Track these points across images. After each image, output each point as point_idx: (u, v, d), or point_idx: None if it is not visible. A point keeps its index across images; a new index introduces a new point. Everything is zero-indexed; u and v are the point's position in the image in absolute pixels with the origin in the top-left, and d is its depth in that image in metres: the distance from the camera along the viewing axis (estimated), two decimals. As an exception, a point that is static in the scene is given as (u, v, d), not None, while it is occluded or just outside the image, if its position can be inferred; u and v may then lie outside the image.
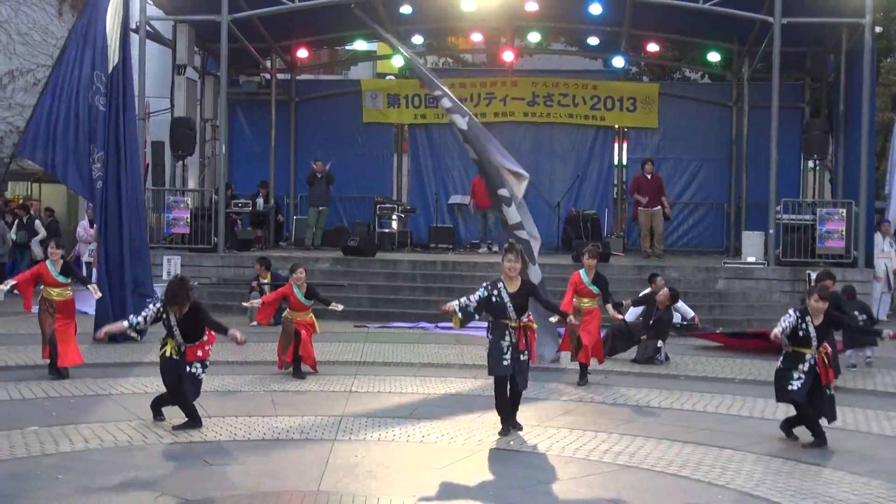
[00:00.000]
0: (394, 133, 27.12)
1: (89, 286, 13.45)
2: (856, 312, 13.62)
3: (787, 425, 9.95)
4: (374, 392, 12.06)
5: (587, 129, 25.96)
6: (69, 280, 12.67)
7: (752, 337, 15.61)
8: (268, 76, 26.36)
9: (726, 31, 23.73)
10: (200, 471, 8.42)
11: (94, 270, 17.93)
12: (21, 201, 27.46)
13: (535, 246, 14.28)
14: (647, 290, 16.09)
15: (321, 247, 23.26)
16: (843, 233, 19.72)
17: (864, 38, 19.45)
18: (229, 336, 9.78)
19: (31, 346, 14.22)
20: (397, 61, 27.13)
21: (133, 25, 22.60)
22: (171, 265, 20.03)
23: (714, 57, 26.02)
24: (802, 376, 9.65)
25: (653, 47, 26.34)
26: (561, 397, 11.99)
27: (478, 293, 9.91)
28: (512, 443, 9.53)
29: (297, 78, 27.41)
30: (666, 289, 15.31)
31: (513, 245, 10.17)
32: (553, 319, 12.87)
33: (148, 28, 21.61)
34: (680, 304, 16.76)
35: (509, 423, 9.86)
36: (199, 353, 9.84)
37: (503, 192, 14.00)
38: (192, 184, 25.45)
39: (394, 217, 24.66)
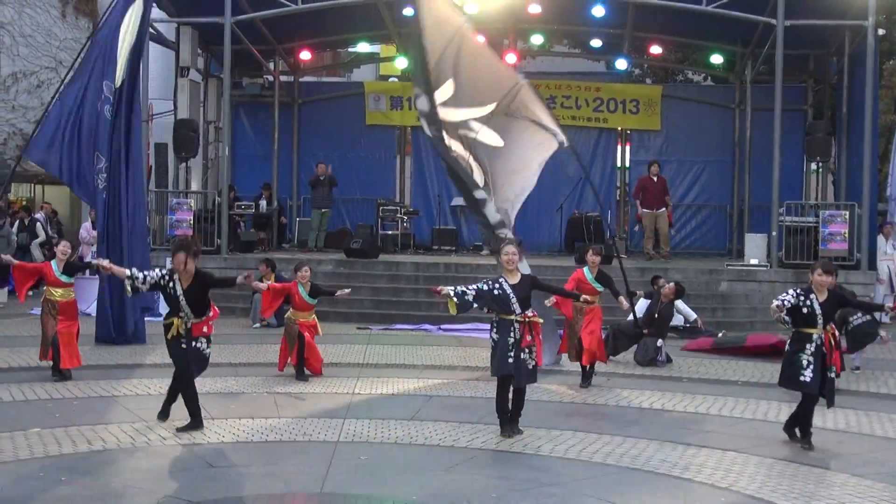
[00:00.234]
0: (397, 135, 27.14)
1: (94, 261, 13.18)
2: (859, 314, 13.58)
3: (791, 426, 9.90)
4: (377, 394, 12.06)
5: (590, 132, 25.97)
6: (72, 280, 12.64)
7: (749, 348, 15.48)
8: (271, 78, 26.37)
9: (729, 34, 23.73)
10: (204, 473, 8.42)
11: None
12: (24, 203, 27.48)
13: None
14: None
15: (324, 249, 23.27)
16: (846, 235, 19.71)
17: (867, 40, 19.45)
18: (238, 283, 9.81)
19: (33, 348, 14.20)
20: (401, 63, 27.12)
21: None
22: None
23: (717, 59, 26.02)
24: (811, 360, 9.50)
25: (655, 49, 26.35)
26: (564, 399, 11.99)
27: (477, 284, 9.95)
28: (515, 445, 9.53)
29: (300, 80, 27.44)
30: (672, 283, 15.24)
31: (511, 239, 10.21)
32: (549, 302, 12.57)
33: (151, 30, 21.60)
34: (682, 306, 16.77)
35: (510, 427, 9.86)
36: (205, 328, 9.75)
37: (479, 193, 13.70)
38: (195, 186, 25.45)
39: (397, 219, 24.67)
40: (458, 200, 25.48)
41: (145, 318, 15.80)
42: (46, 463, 8.51)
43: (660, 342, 14.52)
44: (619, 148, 26.64)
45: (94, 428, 9.74)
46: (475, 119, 13.92)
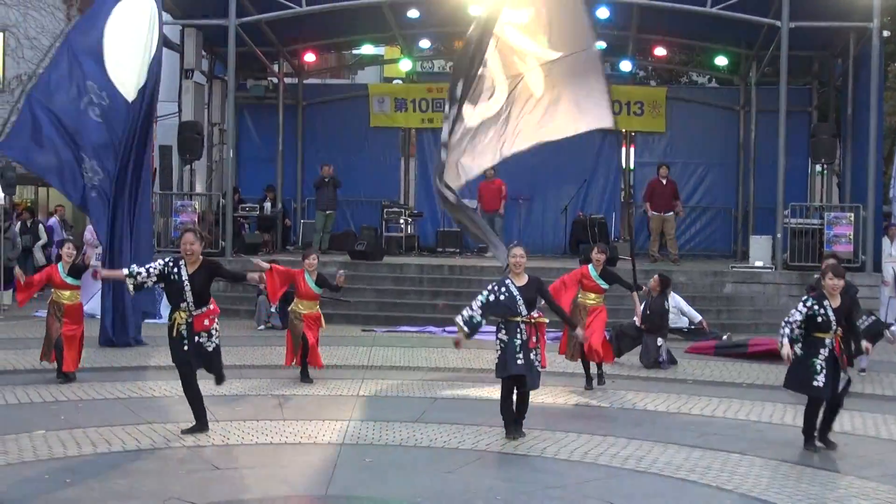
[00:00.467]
0: (401, 137, 27.13)
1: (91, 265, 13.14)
2: (864, 316, 13.55)
3: (822, 434, 9.70)
4: (381, 396, 12.06)
5: (594, 133, 25.82)
6: (78, 282, 12.64)
7: (752, 354, 15.43)
8: (275, 80, 26.38)
9: (734, 36, 23.72)
10: (209, 475, 8.42)
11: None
12: (28, 204, 27.48)
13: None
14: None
15: (328, 251, 23.27)
16: (851, 237, 19.71)
17: (872, 42, 19.45)
18: (249, 280, 9.82)
19: (38, 350, 14.24)
20: (405, 65, 27.13)
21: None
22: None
23: (721, 61, 25.99)
24: (824, 366, 9.44)
25: (660, 51, 26.32)
26: (568, 401, 11.98)
27: (480, 298, 9.89)
28: (519, 447, 9.52)
29: (305, 82, 27.44)
30: (656, 275, 15.11)
31: (519, 242, 10.23)
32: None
33: (156, 32, 21.64)
34: (687, 307, 16.76)
35: (514, 430, 9.86)
36: (206, 321, 9.56)
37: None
38: (199, 188, 25.47)
39: (401, 221, 24.66)
40: (463, 202, 25.50)
41: (147, 322, 15.80)
42: (51, 465, 8.51)
43: (660, 341, 14.45)
44: (623, 150, 26.59)
45: (99, 430, 9.74)
46: (536, 55, 13.65)
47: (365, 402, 11.57)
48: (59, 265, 12.63)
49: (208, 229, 20.28)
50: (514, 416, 9.91)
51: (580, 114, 13.87)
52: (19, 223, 22.15)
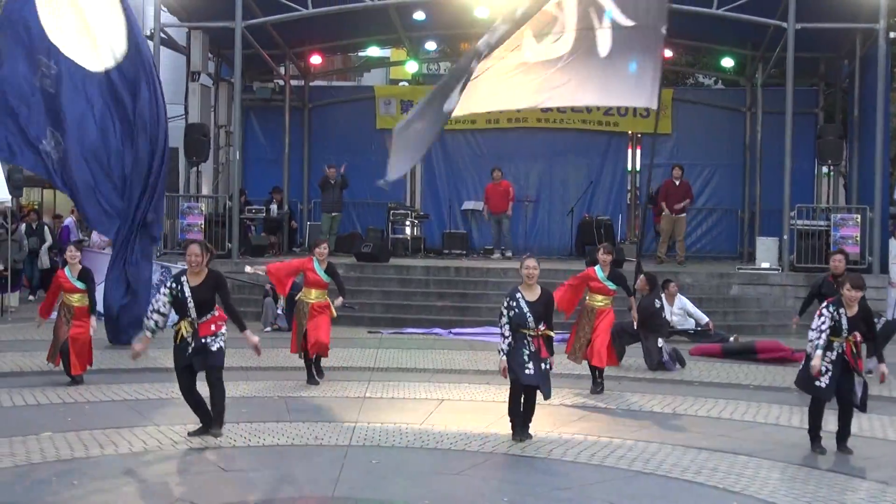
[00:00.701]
0: (407, 139, 27.07)
1: (92, 317, 12.85)
2: (876, 318, 13.50)
3: (841, 440, 9.68)
4: (388, 398, 12.06)
5: (600, 135, 25.93)
6: (86, 286, 12.64)
7: (762, 358, 15.40)
8: (281, 82, 26.40)
9: (740, 37, 23.70)
10: (215, 477, 8.44)
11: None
12: (34, 206, 27.53)
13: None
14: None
15: (335, 252, 23.18)
16: (858, 238, 19.65)
17: (879, 43, 19.40)
18: (246, 337, 9.55)
19: (45, 353, 14.26)
20: (411, 67, 27.14)
21: (147, 32, 22.73)
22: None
23: (728, 62, 25.99)
24: (830, 368, 9.44)
25: (666, 53, 26.23)
26: (574, 403, 11.97)
27: (503, 320, 9.82)
28: (526, 449, 9.52)
29: (311, 84, 27.48)
30: (642, 275, 14.97)
31: (531, 254, 10.21)
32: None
33: (162, 35, 21.70)
34: (693, 309, 16.74)
35: (521, 431, 9.86)
36: (213, 327, 9.48)
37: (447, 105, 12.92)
38: (205, 190, 25.50)
39: (407, 223, 24.66)
40: (469, 204, 25.55)
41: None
42: (58, 467, 8.53)
43: (660, 342, 14.39)
44: (629, 152, 26.58)
45: (106, 432, 9.76)
46: (612, 15, 13.34)
47: (371, 404, 11.56)
48: (66, 269, 12.64)
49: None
50: (522, 419, 9.91)
51: (624, 86, 13.63)
52: (24, 225, 22.18)
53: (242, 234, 21.96)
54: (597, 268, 12.83)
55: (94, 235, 22.13)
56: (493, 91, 13.11)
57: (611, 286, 12.76)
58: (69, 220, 24.05)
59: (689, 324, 16.70)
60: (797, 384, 9.91)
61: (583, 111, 25.59)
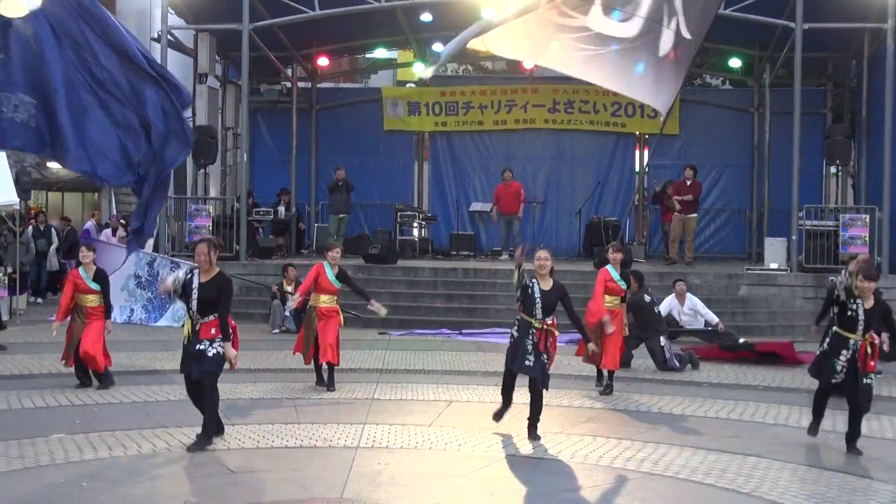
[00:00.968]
0: (414, 141, 27.14)
1: (107, 320, 12.75)
2: None
3: (851, 441, 9.71)
4: (396, 400, 12.05)
5: (608, 136, 25.91)
6: (100, 287, 12.58)
7: (759, 353, 15.36)
8: (289, 84, 26.44)
9: (747, 37, 23.65)
10: (224, 479, 8.43)
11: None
12: (41, 209, 27.57)
13: None
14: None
15: (342, 254, 23.23)
16: (867, 239, 19.60)
17: (887, 42, 19.36)
18: (225, 347, 9.30)
19: (55, 355, 14.27)
20: (418, 69, 27.12)
21: (155, 34, 22.78)
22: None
23: (735, 63, 25.94)
24: (845, 367, 9.49)
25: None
26: (583, 404, 11.95)
27: (522, 279, 10.01)
28: (535, 450, 9.52)
29: (318, 86, 27.49)
30: (630, 273, 14.84)
31: (544, 246, 10.31)
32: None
33: (169, 37, 21.72)
34: (703, 309, 16.69)
35: (503, 412, 10.09)
36: (213, 330, 9.34)
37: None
38: (213, 192, 25.53)
39: (415, 224, 24.67)
40: (476, 206, 25.54)
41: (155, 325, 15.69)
42: (68, 469, 8.54)
43: (663, 340, 14.31)
44: (637, 152, 26.56)
45: (115, 434, 9.77)
46: (680, 22, 13.36)
47: (380, 406, 11.56)
48: (81, 269, 12.60)
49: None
50: (510, 399, 10.26)
51: (659, 88, 13.67)
52: (31, 227, 22.24)
53: (250, 236, 21.98)
54: (609, 267, 12.81)
55: (102, 236, 22.23)
56: (536, 38, 12.97)
57: (622, 285, 12.74)
58: (90, 224, 24.13)
59: (699, 323, 16.66)
60: (810, 371, 10.08)
61: (590, 112, 25.60)
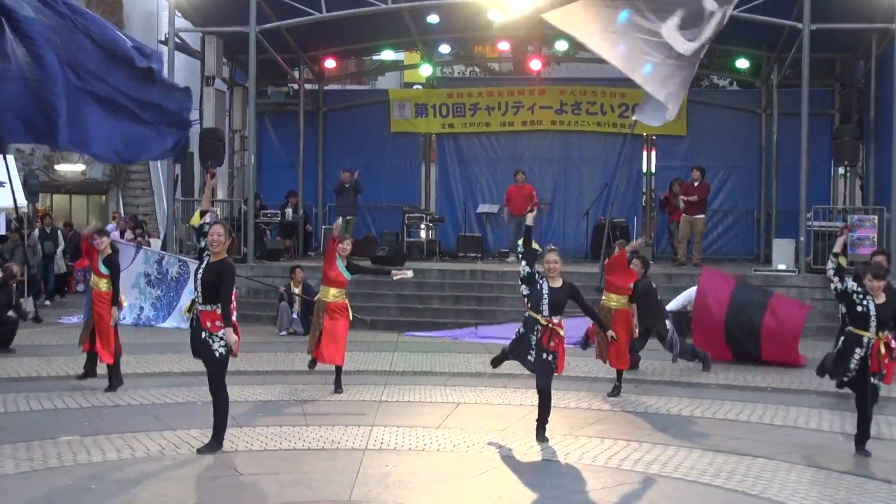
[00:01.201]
0: (422, 142, 27.12)
1: (120, 297, 12.87)
2: None
3: (860, 442, 9.69)
4: (404, 401, 12.06)
5: (615, 138, 25.85)
6: (109, 272, 12.58)
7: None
8: (296, 87, 26.45)
9: (755, 38, 23.61)
10: (232, 481, 8.45)
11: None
12: (48, 211, 27.60)
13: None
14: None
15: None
16: (875, 239, 19.55)
17: (895, 43, 19.31)
18: (226, 332, 9.11)
19: (62, 357, 14.35)
20: (425, 70, 27.15)
21: (162, 37, 22.80)
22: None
23: (743, 64, 25.89)
24: (858, 365, 9.49)
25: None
26: (591, 406, 11.94)
27: (530, 267, 10.14)
28: (542, 452, 9.51)
29: (325, 88, 27.50)
30: (637, 258, 14.44)
31: (553, 247, 10.28)
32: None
33: (177, 40, 21.75)
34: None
35: (540, 436, 9.92)
36: (209, 323, 9.17)
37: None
38: (221, 194, 25.56)
39: (422, 226, 24.66)
40: (484, 207, 25.53)
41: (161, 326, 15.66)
42: (76, 472, 8.55)
43: (669, 324, 14.16)
44: (644, 154, 26.51)
45: (123, 436, 9.78)
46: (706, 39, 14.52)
47: (387, 408, 11.56)
48: (100, 254, 12.65)
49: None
50: (501, 359, 10.78)
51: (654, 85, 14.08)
52: (38, 230, 22.27)
53: (258, 238, 21.99)
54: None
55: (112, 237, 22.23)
56: (605, 27, 13.58)
57: (630, 284, 12.70)
58: (110, 227, 24.13)
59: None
60: (826, 369, 10.21)
61: (598, 113, 25.58)
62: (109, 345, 12.44)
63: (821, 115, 23.95)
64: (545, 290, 10.00)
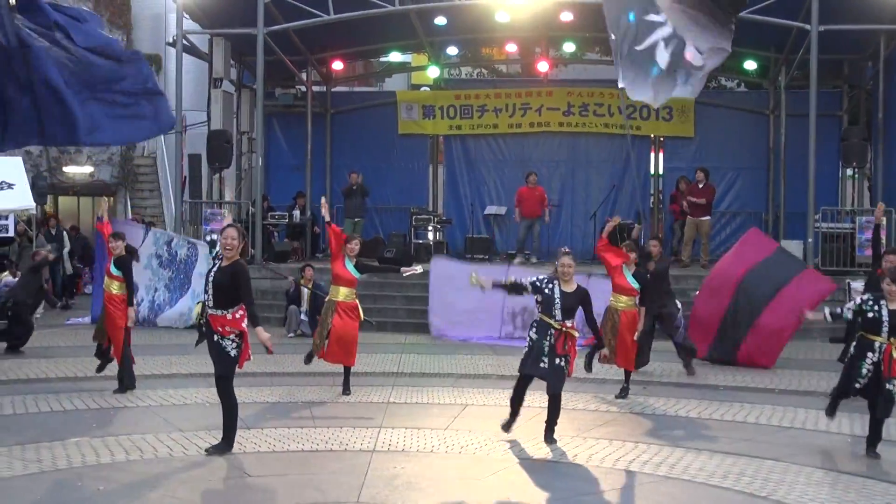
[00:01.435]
0: (429, 144, 27.12)
1: (130, 308, 12.62)
2: None
3: (870, 444, 9.67)
4: (411, 403, 12.06)
5: (623, 139, 25.82)
6: (121, 273, 12.54)
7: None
8: (303, 88, 26.47)
9: (763, 40, 23.57)
10: (240, 483, 8.46)
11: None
12: (53, 214, 27.62)
13: None
14: None
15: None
16: (884, 241, 19.50)
17: (903, 44, 19.32)
18: (257, 332, 9.07)
19: (70, 359, 14.38)
20: (432, 72, 27.16)
21: (170, 39, 22.84)
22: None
23: (750, 65, 25.85)
24: (871, 370, 9.45)
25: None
26: (599, 408, 11.93)
27: (532, 278, 10.12)
28: (551, 454, 9.50)
29: (333, 90, 27.51)
30: (654, 240, 14.54)
31: (568, 251, 10.26)
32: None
33: (185, 42, 21.80)
34: None
35: (511, 422, 10.05)
36: (219, 327, 9.13)
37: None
38: (228, 196, 25.59)
39: (430, 228, 24.66)
40: (492, 209, 25.51)
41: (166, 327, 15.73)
42: (84, 472, 8.57)
43: (678, 304, 14.10)
44: (651, 155, 26.48)
45: (131, 437, 9.80)
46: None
47: (395, 409, 11.57)
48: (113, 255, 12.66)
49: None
50: (519, 410, 10.14)
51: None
52: (44, 231, 22.31)
53: (265, 239, 22.02)
54: (623, 267, 12.74)
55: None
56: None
57: (635, 285, 12.66)
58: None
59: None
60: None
61: (605, 115, 25.56)
62: (118, 347, 12.45)
63: (829, 117, 23.92)
64: (557, 294, 9.93)
